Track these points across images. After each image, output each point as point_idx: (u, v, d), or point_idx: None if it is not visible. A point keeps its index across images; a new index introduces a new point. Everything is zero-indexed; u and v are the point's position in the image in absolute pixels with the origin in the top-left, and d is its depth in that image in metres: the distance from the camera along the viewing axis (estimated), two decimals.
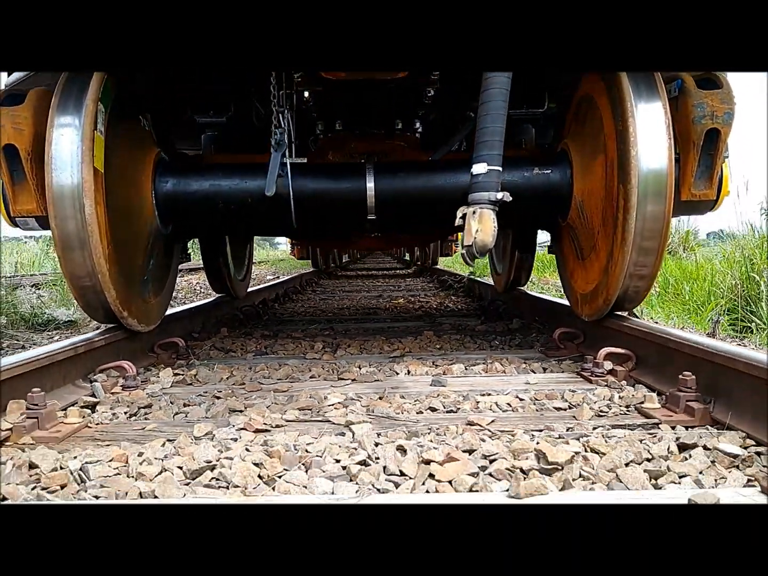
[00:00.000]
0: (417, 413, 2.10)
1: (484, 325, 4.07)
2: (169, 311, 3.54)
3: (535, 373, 2.68)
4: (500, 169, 1.99)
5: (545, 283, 8.49)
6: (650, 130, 2.43)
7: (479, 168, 1.96)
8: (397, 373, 2.71)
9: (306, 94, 2.99)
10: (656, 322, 4.55)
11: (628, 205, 2.42)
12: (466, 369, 2.74)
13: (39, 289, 6.85)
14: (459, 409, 2.13)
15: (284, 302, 6.38)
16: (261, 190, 2.75)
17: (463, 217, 1.95)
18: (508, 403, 2.17)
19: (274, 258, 22.94)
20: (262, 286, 6.83)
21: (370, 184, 2.87)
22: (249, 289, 5.64)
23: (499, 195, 1.93)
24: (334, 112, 3.27)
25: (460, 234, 7.23)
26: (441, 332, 3.82)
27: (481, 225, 1.88)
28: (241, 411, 2.15)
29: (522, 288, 4.90)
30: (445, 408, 2.14)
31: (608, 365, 2.50)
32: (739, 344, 3.56)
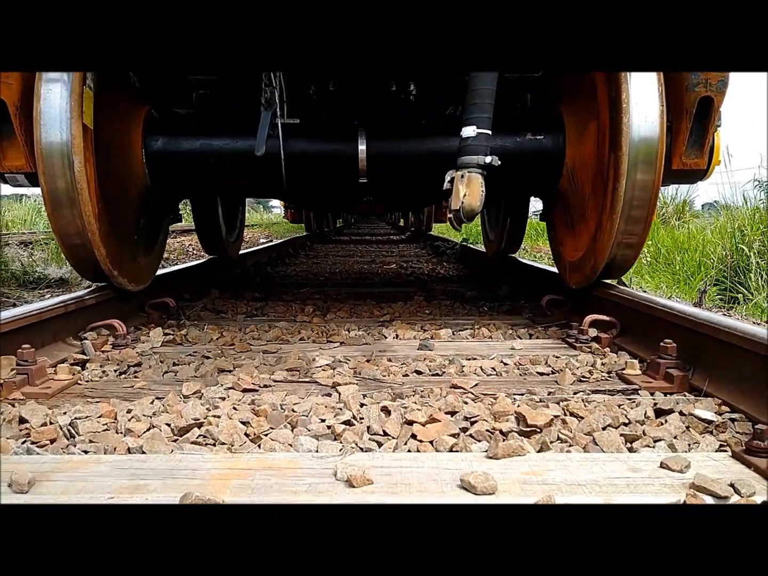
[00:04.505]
0: (403, 376, 2.14)
1: (474, 291, 4.10)
2: (160, 271, 3.54)
3: (521, 338, 2.72)
4: (489, 132, 1.99)
5: (538, 251, 8.52)
6: (643, 97, 2.43)
7: (468, 131, 1.96)
8: (386, 337, 2.74)
9: None
10: (644, 291, 4.59)
11: (618, 173, 2.43)
12: (453, 334, 2.78)
13: (31, 247, 6.82)
14: (444, 372, 2.17)
15: (276, 265, 6.39)
16: (252, 149, 2.74)
17: (452, 180, 1.96)
18: (493, 368, 2.21)
19: (267, 221, 22.83)
20: (254, 248, 6.81)
21: (362, 147, 2.86)
22: (241, 252, 5.65)
23: (488, 159, 1.93)
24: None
25: None
26: (431, 298, 3.85)
27: (468, 189, 1.89)
28: (230, 371, 2.18)
29: (513, 255, 4.92)
30: (430, 371, 2.18)
31: (593, 332, 2.53)
32: (725, 314, 3.60)
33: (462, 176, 1.92)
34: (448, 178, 1.99)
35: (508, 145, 2.87)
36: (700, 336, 1.94)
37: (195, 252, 9.02)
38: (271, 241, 11.82)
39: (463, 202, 1.90)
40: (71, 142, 2.38)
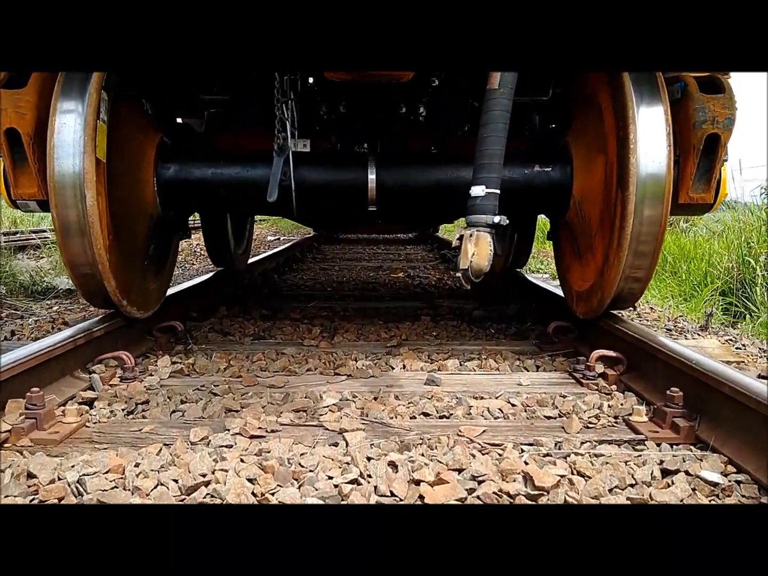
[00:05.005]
0: (410, 418, 2.15)
1: (481, 310, 4.10)
2: (168, 291, 3.54)
3: (528, 371, 2.72)
4: (498, 192, 1.99)
5: (545, 255, 8.50)
6: (651, 135, 2.42)
7: (477, 191, 1.96)
8: (393, 368, 2.74)
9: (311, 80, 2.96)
10: (651, 308, 4.59)
11: (626, 212, 2.43)
12: (460, 365, 2.78)
13: (39, 252, 6.85)
14: (451, 415, 2.17)
15: (284, 273, 6.40)
16: (263, 179, 2.75)
17: (461, 238, 1.96)
18: (500, 409, 2.21)
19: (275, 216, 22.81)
20: (261, 256, 6.82)
21: (372, 176, 2.86)
22: (249, 260, 5.66)
23: (496, 219, 1.94)
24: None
25: None
26: (438, 317, 3.85)
27: (477, 248, 1.90)
28: (237, 411, 2.19)
29: (520, 270, 4.92)
30: (438, 413, 2.19)
31: (600, 368, 2.54)
32: (730, 340, 3.59)
33: (471, 235, 1.92)
34: (456, 236, 2.00)
35: (516, 176, 2.87)
36: (705, 386, 1.94)
37: (202, 253, 9.04)
38: (279, 238, 11.85)
39: (471, 262, 1.91)
40: (84, 176, 2.39)
